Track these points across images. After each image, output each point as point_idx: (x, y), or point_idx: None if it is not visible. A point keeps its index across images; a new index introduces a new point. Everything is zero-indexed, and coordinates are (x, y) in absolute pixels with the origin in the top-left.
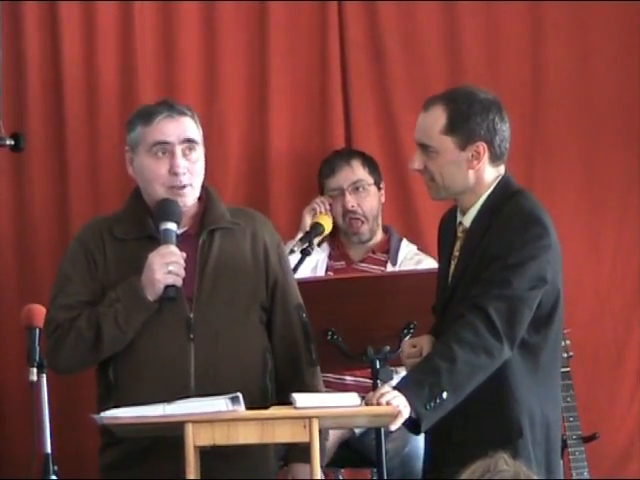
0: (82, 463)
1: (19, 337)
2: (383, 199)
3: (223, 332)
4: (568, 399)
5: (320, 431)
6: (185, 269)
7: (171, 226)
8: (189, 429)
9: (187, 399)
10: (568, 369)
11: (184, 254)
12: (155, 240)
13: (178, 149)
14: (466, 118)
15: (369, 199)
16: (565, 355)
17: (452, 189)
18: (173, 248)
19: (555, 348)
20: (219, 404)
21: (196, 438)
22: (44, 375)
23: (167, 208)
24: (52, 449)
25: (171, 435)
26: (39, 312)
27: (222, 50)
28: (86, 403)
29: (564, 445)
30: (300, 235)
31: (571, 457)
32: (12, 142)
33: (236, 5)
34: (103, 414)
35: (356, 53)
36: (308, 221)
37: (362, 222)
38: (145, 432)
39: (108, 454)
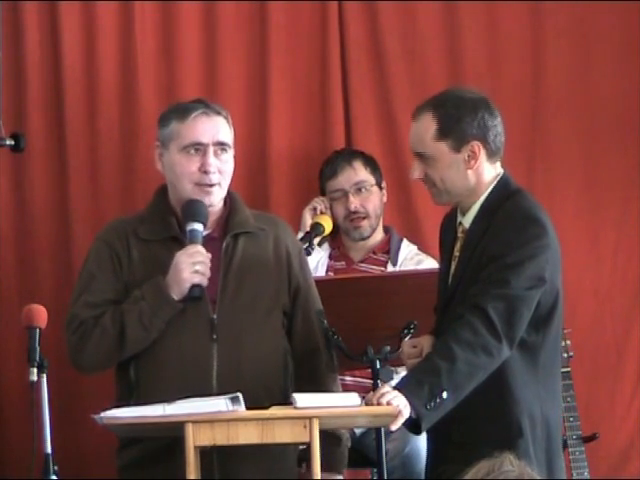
0: (82, 463)
1: (19, 337)
2: (385, 198)
3: (245, 333)
4: (568, 399)
5: (340, 438)
6: (209, 271)
7: (197, 227)
8: (189, 429)
9: (189, 399)
10: (568, 369)
11: (209, 255)
12: (179, 241)
13: (211, 150)
14: (456, 120)
15: (372, 199)
16: (565, 355)
17: (454, 192)
18: (200, 248)
19: (555, 347)
20: (219, 404)
21: (196, 438)
22: (44, 375)
23: (194, 209)
24: (52, 449)
25: (174, 435)
26: (39, 312)
27: (222, 50)
28: (87, 403)
29: (564, 445)
30: (300, 235)
31: (571, 457)
32: (12, 142)
33: (236, 5)
34: (103, 414)
35: (356, 53)
36: (308, 220)
37: (364, 217)
38: (145, 433)
39: (126, 454)
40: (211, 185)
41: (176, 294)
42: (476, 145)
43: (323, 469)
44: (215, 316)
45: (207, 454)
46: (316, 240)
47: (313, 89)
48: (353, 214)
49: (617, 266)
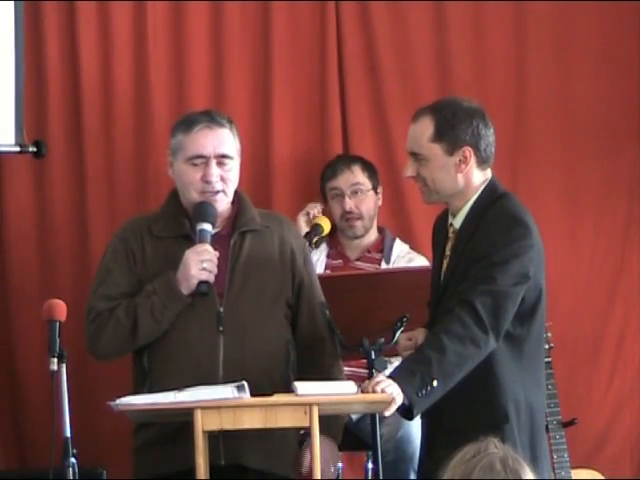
0: (99, 447)
1: (41, 330)
2: (380, 202)
3: (250, 325)
4: (549, 387)
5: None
6: (217, 267)
7: (207, 227)
8: (198, 415)
9: (198, 387)
10: (549, 359)
11: (217, 253)
12: (190, 239)
13: (213, 161)
14: (452, 125)
15: (366, 202)
16: (547, 346)
17: (443, 192)
18: (208, 247)
19: (538, 339)
20: (226, 391)
21: (204, 423)
22: (64, 365)
23: (204, 210)
24: (71, 434)
25: (184, 420)
26: (59, 306)
27: (229, 64)
28: (103, 391)
29: (545, 430)
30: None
31: (552, 441)
32: (34, 149)
33: (242, 23)
34: (118, 401)
35: (353, 67)
36: (302, 225)
37: (357, 218)
38: (157, 418)
39: (141, 435)
40: (215, 193)
41: (185, 289)
42: (467, 151)
43: (322, 433)
44: (222, 309)
45: (214, 437)
46: (315, 239)
47: (313, 100)
48: (348, 214)
49: (594, 264)
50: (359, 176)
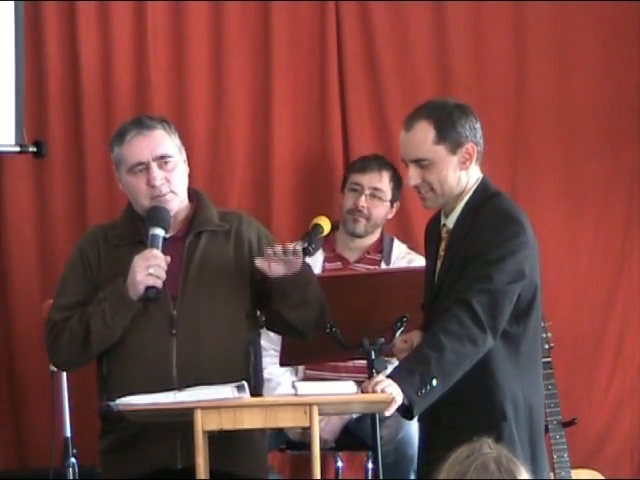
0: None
1: (41, 330)
2: (391, 216)
3: (204, 327)
4: (549, 387)
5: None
6: (172, 270)
7: (158, 231)
8: (198, 415)
9: (194, 387)
10: (549, 359)
11: (168, 258)
12: (145, 245)
13: (153, 164)
14: (451, 124)
15: (380, 209)
16: (546, 346)
17: (449, 194)
18: (156, 252)
19: (535, 337)
20: (226, 391)
21: (204, 423)
22: None
23: (156, 214)
24: (71, 434)
25: (162, 422)
26: None
27: (229, 65)
28: None
29: (545, 430)
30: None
31: (552, 441)
32: (34, 149)
33: (242, 23)
34: (119, 401)
35: (352, 67)
36: None
37: (364, 218)
38: (156, 418)
39: (105, 440)
40: (163, 195)
41: (133, 295)
42: (471, 147)
43: None
44: (175, 312)
45: (172, 441)
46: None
47: (313, 100)
48: (357, 211)
49: (594, 264)
50: (385, 183)
